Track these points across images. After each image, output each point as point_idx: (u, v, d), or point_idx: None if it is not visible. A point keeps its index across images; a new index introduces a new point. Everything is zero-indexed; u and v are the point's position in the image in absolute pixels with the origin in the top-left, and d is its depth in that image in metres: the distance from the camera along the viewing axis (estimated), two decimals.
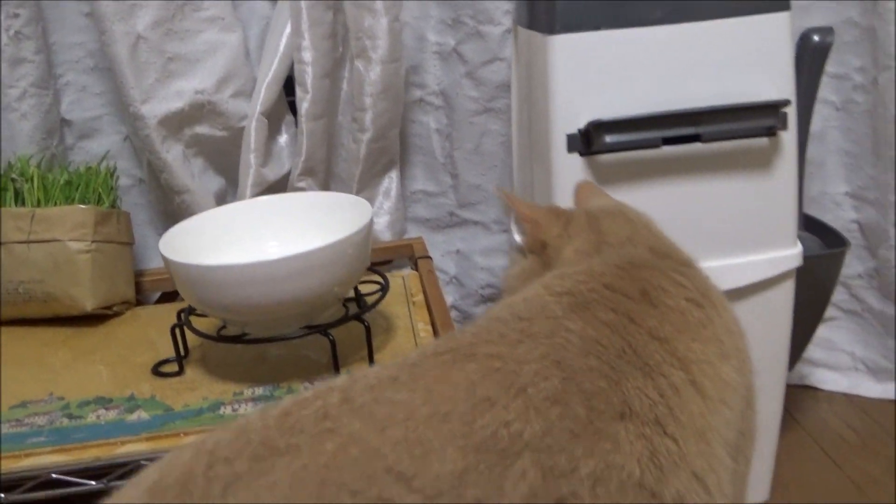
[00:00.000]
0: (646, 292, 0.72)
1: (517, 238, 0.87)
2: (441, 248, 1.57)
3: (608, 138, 1.05)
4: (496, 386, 0.60)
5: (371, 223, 1.05)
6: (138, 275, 1.37)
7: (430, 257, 1.40)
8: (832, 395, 1.58)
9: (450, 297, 1.59)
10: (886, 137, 1.39)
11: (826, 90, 1.46)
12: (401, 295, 1.30)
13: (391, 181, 1.48)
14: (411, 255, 1.43)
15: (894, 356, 1.52)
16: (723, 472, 0.69)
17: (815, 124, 1.47)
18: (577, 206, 0.92)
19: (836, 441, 1.45)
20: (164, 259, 1.01)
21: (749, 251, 1.14)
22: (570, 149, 1.08)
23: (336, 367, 1.05)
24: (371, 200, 1.47)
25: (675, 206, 1.10)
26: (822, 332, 1.59)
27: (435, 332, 1.16)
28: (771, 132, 1.08)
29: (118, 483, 0.98)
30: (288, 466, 0.54)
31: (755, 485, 1.31)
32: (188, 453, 0.57)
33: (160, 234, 1.48)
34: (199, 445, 0.57)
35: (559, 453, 0.58)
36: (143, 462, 0.98)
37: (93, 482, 0.98)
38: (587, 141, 1.07)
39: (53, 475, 0.97)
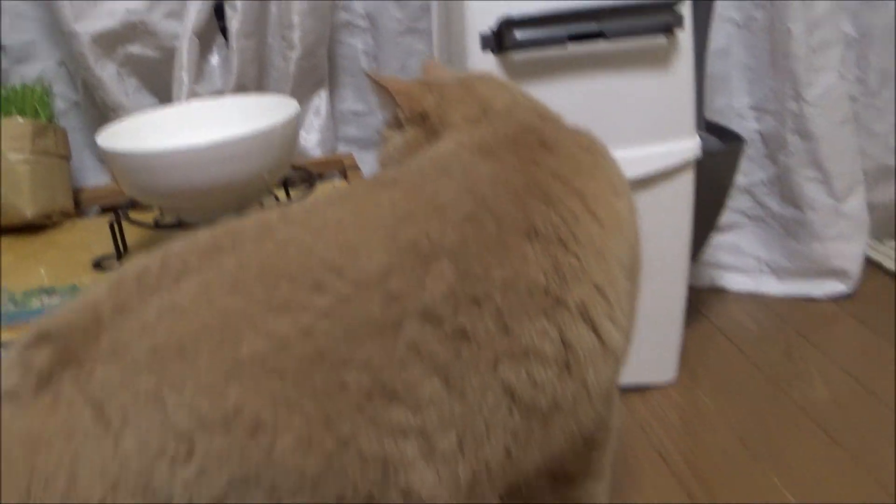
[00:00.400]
0: (544, 142, 0.81)
1: (385, 115, 0.94)
2: (371, 166, 1.64)
3: (518, 34, 1.13)
4: (417, 205, 0.69)
5: (297, 117, 1.12)
6: (77, 192, 1.43)
7: (359, 168, 1.48)
8: (739, 295, 1.70)
9: None
10: (783, 51, 1.50)
11: (729, 9, 1.56)
12: None
13: (321, 100, 1.55)
14: (341, 168, 1.50)
15: (795, 257, 1.64)
16: (620, 288, 0.79)
17: (720, 41, 1.57)
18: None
19: (741, 332, 1.57)
20: (103, 151, 1.07)
21: (650, 143, 1.24)
22: (484, 47, 1.16)
23: None
24: (302, 119, 1.54)
25: (582, 100, 1.19)
26: (729, 237, 1.70)
27: None
28: (668, 30, 1.17)
29: None
30: (234, 258, 0.63)
31: (662, 366, 1.41)
32: (145, 257, 0.65)
33: (97, 157, 1.54)
34: (155, 252, 0.65)
35: (474, 260, 0.68)
36: None
37: None
38: (499, 39, 1.15)
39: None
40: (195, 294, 0.61)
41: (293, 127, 1.11)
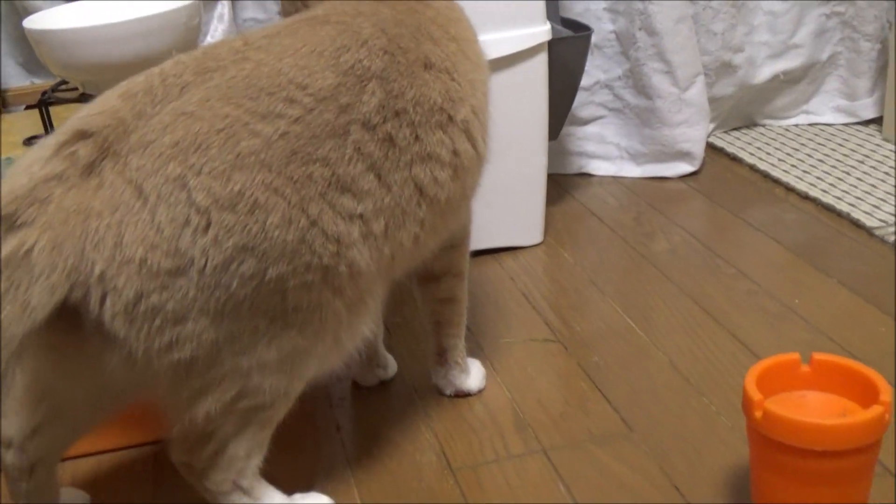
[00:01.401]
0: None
1: None
2: None
3: None
4: (348, 38, 0.91)
5: (198, 5, 1.30)
6: (2, 91, 1.58)
7: None
8: (603, 179, 1.94)
9: None
10: None
11: None
12: None
13: (223, 7, 1.72)
14: None
15: (649, 142, 1.89)
16: (486, 112, 1.02)
17: None
18: None
19: (602, 206, 1.81)
20: (29, 33, 1.24)
21: (508, 28, 1.45)
22: None
23: None
24: (206, 25, 1.71)
25: None
26: (593, 128, 1.94)
27: None
28: None
29: None
30: (222, 76, 0.84)
31: (529, 231, 1.65)
32: (140, 77, 0.86)
33: (19, 62, 1.70)
34: (147, 73, 0.86)
35: (393, 82, 0.91)
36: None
37: None
38: None
39: None
40: (199, 103, 0.82)
41: (194, 13, 1.29)
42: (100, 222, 0.77)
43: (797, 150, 1.96)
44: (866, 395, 0.93)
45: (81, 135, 0.80)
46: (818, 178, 1.81)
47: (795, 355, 1.00)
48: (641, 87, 1.85)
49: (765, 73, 1.99)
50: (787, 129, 2.08)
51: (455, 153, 0.96)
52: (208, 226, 0.78)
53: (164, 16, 1.23)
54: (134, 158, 0.79)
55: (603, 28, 1.85)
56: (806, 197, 1.75)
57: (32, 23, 1.26)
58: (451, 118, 0.96)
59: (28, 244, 0.74)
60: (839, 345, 1.28)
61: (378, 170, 0.88)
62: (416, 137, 0.92)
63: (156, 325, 0.78)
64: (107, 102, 0.83)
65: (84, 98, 1.30)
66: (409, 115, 0.91)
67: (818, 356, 0.99)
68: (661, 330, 1.37)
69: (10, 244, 0.74)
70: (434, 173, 0.94)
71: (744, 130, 2.09)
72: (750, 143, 2.01)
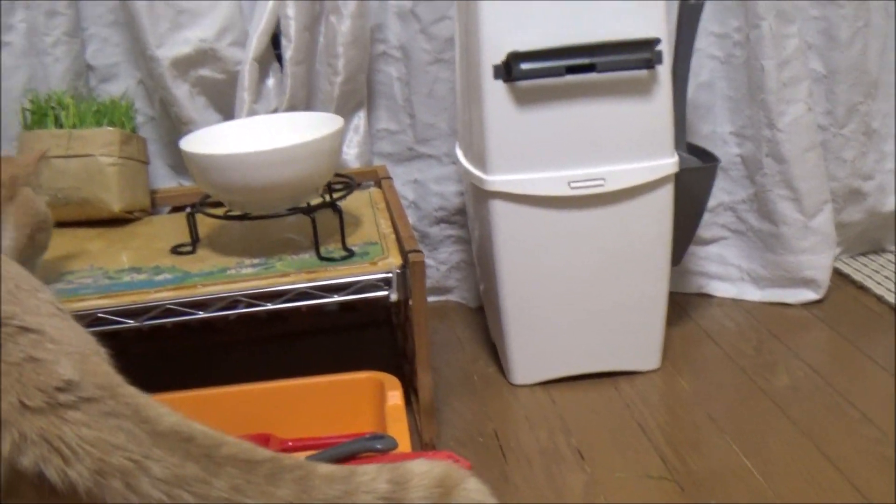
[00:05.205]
0: None
1: None
2: (401, 178, 1.89)
3: (523, 66, 1.38)
4: None
5: (341, 130, 1.37)
6: (152, 192, 1.68)
7: (391, 179, 1.73)
8: (723, 301, 1.92)
9: (409, 220, 1.91)
10: (758, 83, 1.73)
11: (712, 47, 1.79)
12: (367, 202, 1.62)
13: (360, 119, 1.80)
14: (376, 178, 1.75)
15: (771, 267, 1.86)
16: None
17: (704, 76, 1.81)
18: None
19: (721, 331, 1.79)
20: (185, 154, 1.33)
21: (636, 159, 1.47)
22: (496, 76, 1.41)
23: (316, 244, 1.37)
24: (343, 135, 1.79)
25: (577, 121, 1.43)
26: (714, 249, 1.93)
27: (395, 229, 1.48)
28: (648, 65, 1.41)
29: (152, 322, 1.29)
30: None
31: (647, 356, 1.64)
32: None
33: (168, 164, 1.80)
34: None
35: None
36: (168, 306, 1.29)
37: (130, 321, 1.29)
38: (507, 69, 1.39)
39: (99, 314, 1.28)
40: None
41: (338, 139, 1.36)
42: None
43: None
44: None
45: None
46: None
47: None
48: (766, 213, 1.83)
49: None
50: None
51: None
52: None
53: (315, 143, 1.30)
54: None
55: (728, 151, 1.85)
56: None
57: (188, 144, 1.35)
58: None
59: None
60: None
61: None
62: None
63: None
64: None
65: (229, 216, 1.38)
66: None
67: None
68: (779, 475, 1.34)
69: None
70: None
71: (871, 256, 2.04)
72: (877, 271, 1.96)
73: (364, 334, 1.85)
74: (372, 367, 1.37)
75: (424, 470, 0.78)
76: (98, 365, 0.79)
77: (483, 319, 1.85)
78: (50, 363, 0.75)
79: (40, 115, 1.58)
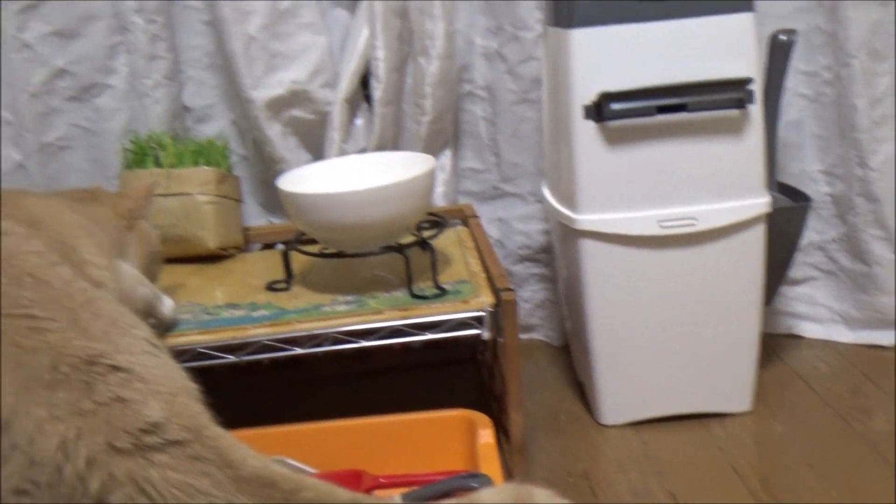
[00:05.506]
0: None
1: None
2: (486, 217, 1.90)
3: (614, 106, 1.38)
4: None
5: (433, 170, 1.39)
6: (244, 230, 1.72)
7: (477, 217, 1.74)
8: (813, 342, 1.88)
9: None
10: (850, 122, 1.71)
11: (801, 86, 1.78)
12: (455, 241, 1.63)
13: (446, 158, 1.83)
14: (462, 217, 1.77)
15: (864, 308, 1.82)
16: None
17: (793, 114, 1.79)
18: None
19: (813, 373, 1.75)
20: (281, 193, 1.36)
21: (727, 199, 1.46)
22: (586, 116, 1.41)
23: (409, 280, 1.38)
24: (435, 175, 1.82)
25: (669, 161, 1.43)
26: (804, 289, 1.89)
27: (484, 267, 1.49)
28: (740, 104, 1.40)
29: (249, 358, 1.32)
30: None
31: (739, 397, 1.61)
32: None
33: (259, 202, 1.85)
34: None
35: None
36: (266, 342, 1.31)
37: (230, 356, 1.31)
38: (598, 109, 1.40)
39: (199, 349, 1.31)
40: None
41: (431, 178, 1.38)
42: None
43: None
44: None
45: None
46: None
47: None
48: (858, 253, 1.79)
49: None
50: None
51: None
52: None
53: (409, 182, 1.32)
54: None
55: (818, 190, 1.82)
56: None
57: (285, 184, 1.38)
58: None
59: None
60: None
61: None
62: None
63: None
64: None
65: (324, 254, 1.40)
66: None
67: None
68: None
69: None
70: None
71: None
72: None
73: (448, 372, 1.86)
74: (457, 404, 1.38)
75: (494, 498, 0.78)
76: (186, 405, 0.81)
77: (568, 358, 1.84)
78: (137, 403, 0.77)
79: (141, 154, 1.64)
